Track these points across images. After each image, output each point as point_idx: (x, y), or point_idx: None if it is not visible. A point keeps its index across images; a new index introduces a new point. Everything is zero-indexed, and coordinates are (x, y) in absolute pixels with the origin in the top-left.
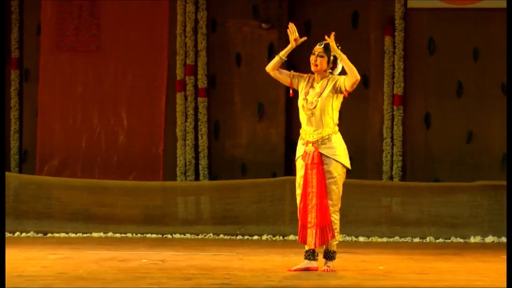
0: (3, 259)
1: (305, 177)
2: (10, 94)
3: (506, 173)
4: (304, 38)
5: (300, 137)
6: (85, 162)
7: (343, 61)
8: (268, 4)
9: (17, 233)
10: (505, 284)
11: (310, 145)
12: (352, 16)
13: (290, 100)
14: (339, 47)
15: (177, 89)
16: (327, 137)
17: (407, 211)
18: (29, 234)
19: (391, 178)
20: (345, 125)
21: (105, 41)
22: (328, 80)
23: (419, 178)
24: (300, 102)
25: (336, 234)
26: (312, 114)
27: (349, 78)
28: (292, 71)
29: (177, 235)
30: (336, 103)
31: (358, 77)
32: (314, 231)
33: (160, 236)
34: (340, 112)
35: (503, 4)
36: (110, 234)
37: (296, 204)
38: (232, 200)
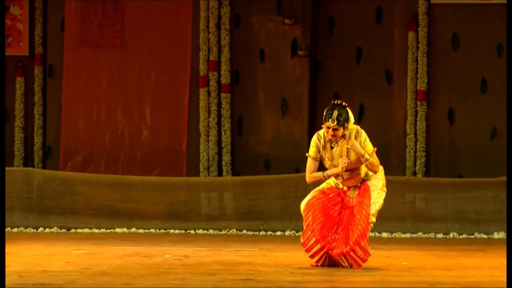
0: (3, 259)
1: (342, 203)
2: (34, 90)
3: (506, 172)
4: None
5: (334, 183)
6: (109, 158)
7: (370, 162)
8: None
9: (41, 229)
10: None
11: (353, 189)
12: (376, 12)
13: (314, 95)
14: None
15: (200, 85)
16: (364, 174)
17: (430, 207)
18: (53, 230)
19: (414, 174)
20: (368, 121)
21: (129, 37)
22: (347, 141)
23: (443, 174)
24: (328, 165)
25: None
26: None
27: (369, 166)
28: (308, 156)
29: (201, 231)
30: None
31: (377, 171)
32: (348, 255)
33: (183, 231)
34: (364, 108)
35: None
36: (134, 229)
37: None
38: (255, 196)
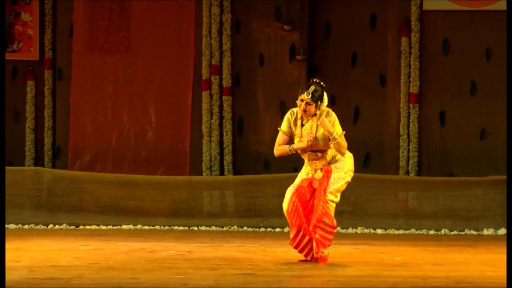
0: (3, 259)
1: (311, 190)
2: (44, 93)
3: (506, 171)
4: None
5: (305, 166)
6: (115, 157)
7: (337, 142)
8: (290, 6)
9: (50, 226)
10: None
11: (319, 171)
12: (370, 18)
13: None
14: (331, 122)
15: (202, 88)
16: (330, 158)
17: (423, 205)
18: (62, 227)
19: (407, 173)
20: (363, 122)
21: (134, 42)
22: (317, 119)
23: (434, 173)
24: (296, 142)
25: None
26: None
27: (336, 146)
28: (280, 130)
29: (203, 228)
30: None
31: (344, 153)
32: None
33: (186, 228)
34: (359, 109)
35: None
36: (139, 226)
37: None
38: (255, 194)
